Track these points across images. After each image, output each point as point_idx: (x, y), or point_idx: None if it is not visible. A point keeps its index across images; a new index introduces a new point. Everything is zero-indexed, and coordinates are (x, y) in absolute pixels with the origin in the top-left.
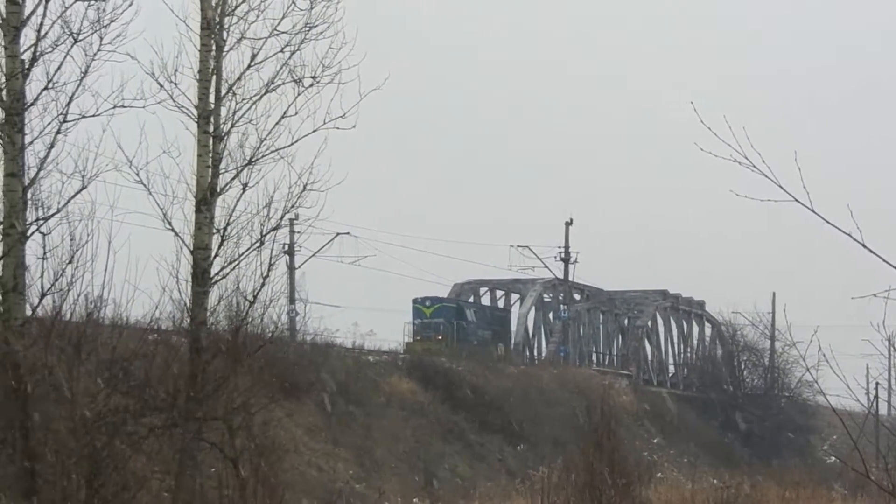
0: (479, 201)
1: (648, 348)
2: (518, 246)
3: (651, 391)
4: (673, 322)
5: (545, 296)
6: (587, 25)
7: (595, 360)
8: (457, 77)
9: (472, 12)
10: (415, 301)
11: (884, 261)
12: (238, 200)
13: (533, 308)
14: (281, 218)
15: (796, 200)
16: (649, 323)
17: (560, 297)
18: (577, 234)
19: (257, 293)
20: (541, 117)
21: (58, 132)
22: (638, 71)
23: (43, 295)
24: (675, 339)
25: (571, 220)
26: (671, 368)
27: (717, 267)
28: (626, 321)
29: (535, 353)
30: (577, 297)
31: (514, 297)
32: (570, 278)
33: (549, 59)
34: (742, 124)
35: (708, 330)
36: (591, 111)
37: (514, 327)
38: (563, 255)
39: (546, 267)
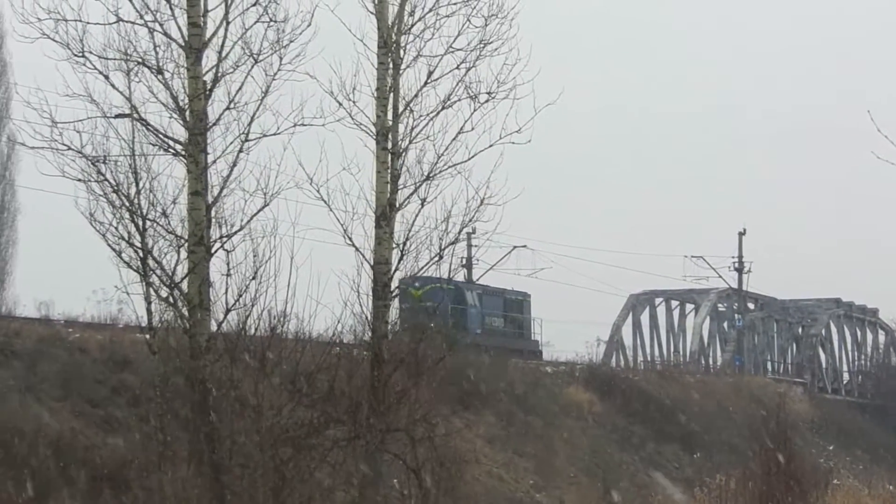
0: (653, 211)
1: (822, 356)
2: (692, 256)
3: (826, 399)
4: (846, 330)
5: (720, 305)
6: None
7: (770, 369)
8: (627, 90)
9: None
10: (401, 282)
11: None
12: (417, 215)
13: (708, 318)
14: (459, 232)
15: None
16: (823, 331)
17: (734, 307)
18: (750, 244)
19: (437, 306)
20: (720, 127)
21: (240, 151)
22: (810, 81)
23: (228, 311)
24: (849, 347)
25: (745, 230)
26: (845, 376)
27: (890, 274)
28: (799, 329)
29: (711, 363)
30: (751, 306)
31: (689, 306)
32: (744, 288)
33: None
34: None
35: (882, 337)
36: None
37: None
38: (736, 265)
39: (720, 277)
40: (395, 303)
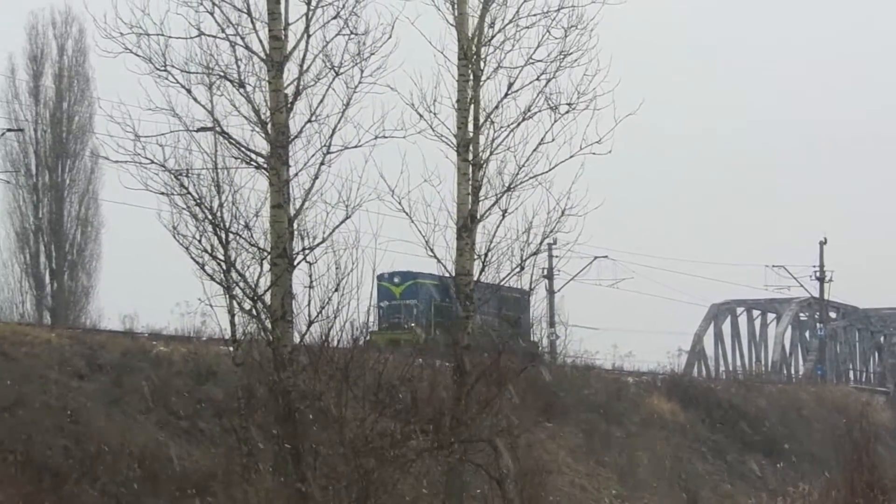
0: (735, 221)
1: None
2: (773, 266)
3: None
4: None
5: (801, 315)
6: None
7: (852, 378)
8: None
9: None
10: (379, 278)
11: None
12: (498, 226)
13: (789, 327)
14: (540, 243)
15: None
16: None
17: (816, 316)
18: (832, 253)
19: (519, 317)
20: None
21: (321, 163)
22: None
23: (310, 322)
24: None
25: (825, 238)
26: None
27: None
28: (882, 338)
29: (793, 372)
30: (832, 315)
31: (771, 316)
32: (826, 297)
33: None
34: None
35: None
36: None
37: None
38: (818, 274)
39: (801, 286)
40: (374, 300)
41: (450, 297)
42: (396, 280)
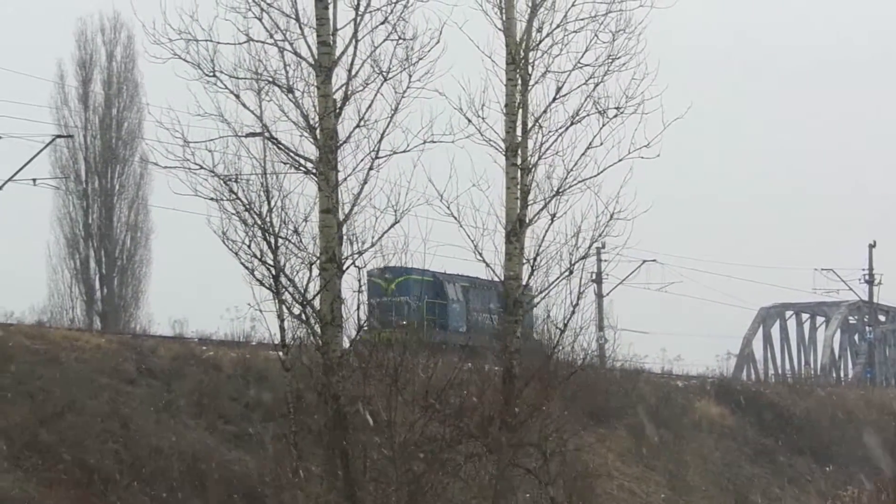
0: (782, 224)
1: None
2: (822, 269)
3: None
4: None
5: (850, 318)
6: None
7: None
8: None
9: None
10: (370, 274)
11: None
12: (547, 231)
13: (838, 330)
14: (589, 247)
15: None
16: None
17: (865, 319)
18: (881, 256)
19: (567, 321)
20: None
21: (370, 168)
22: None
23: (360, 327)
24: None
25: (875, 242)
26: None
27: None
28: None
29: (842, 375)
30: (882, 318)
31: (820, 319)
32: (875, 300)
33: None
34: None
35: None
36: None
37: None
38: (867, 277)
39: (851, 289)
40: (364, 297)
41: (443, 294)
42: (387, 276)
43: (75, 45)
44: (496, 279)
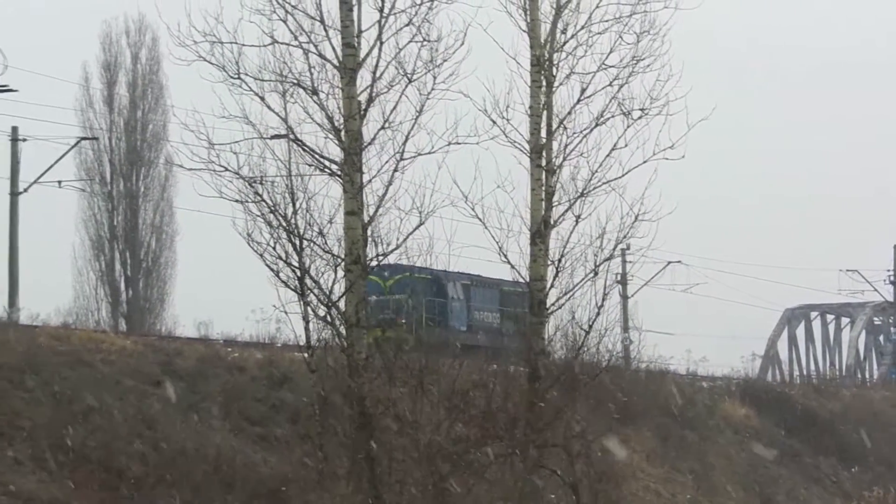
0: (804, 226)
1: None
2: (847, 270)
3: None
4: None
5: (875, 319)
6: None
7: None
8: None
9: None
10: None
11: None
12: (571, 232)
13: (864, 331)
14: (614, 248)
15: None
16: None
17: (890, 320)
18: None
19: (592, 322)
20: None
21: (395, 170)
22: None
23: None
24: None
25: None
26: None
27: None
28: None
29: (867, 376)
30: None
31: (845, 320)
32: None
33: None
34: None
35: None
36: None
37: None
38: (892, 278)
39: (876, 290)
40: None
41: (443, 292)
42: (386, 273)
43: (100, 48)
44: (499, 278)
